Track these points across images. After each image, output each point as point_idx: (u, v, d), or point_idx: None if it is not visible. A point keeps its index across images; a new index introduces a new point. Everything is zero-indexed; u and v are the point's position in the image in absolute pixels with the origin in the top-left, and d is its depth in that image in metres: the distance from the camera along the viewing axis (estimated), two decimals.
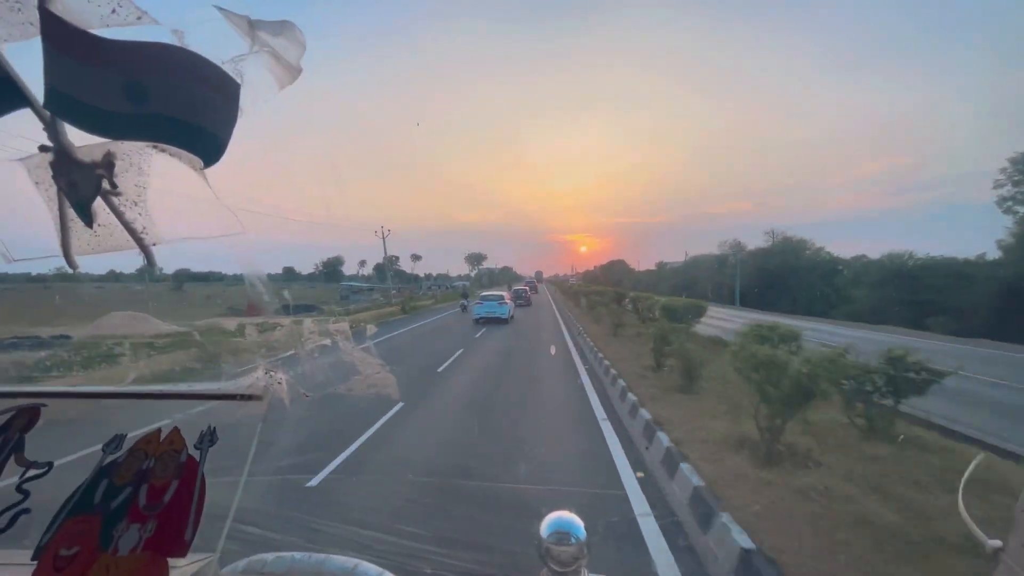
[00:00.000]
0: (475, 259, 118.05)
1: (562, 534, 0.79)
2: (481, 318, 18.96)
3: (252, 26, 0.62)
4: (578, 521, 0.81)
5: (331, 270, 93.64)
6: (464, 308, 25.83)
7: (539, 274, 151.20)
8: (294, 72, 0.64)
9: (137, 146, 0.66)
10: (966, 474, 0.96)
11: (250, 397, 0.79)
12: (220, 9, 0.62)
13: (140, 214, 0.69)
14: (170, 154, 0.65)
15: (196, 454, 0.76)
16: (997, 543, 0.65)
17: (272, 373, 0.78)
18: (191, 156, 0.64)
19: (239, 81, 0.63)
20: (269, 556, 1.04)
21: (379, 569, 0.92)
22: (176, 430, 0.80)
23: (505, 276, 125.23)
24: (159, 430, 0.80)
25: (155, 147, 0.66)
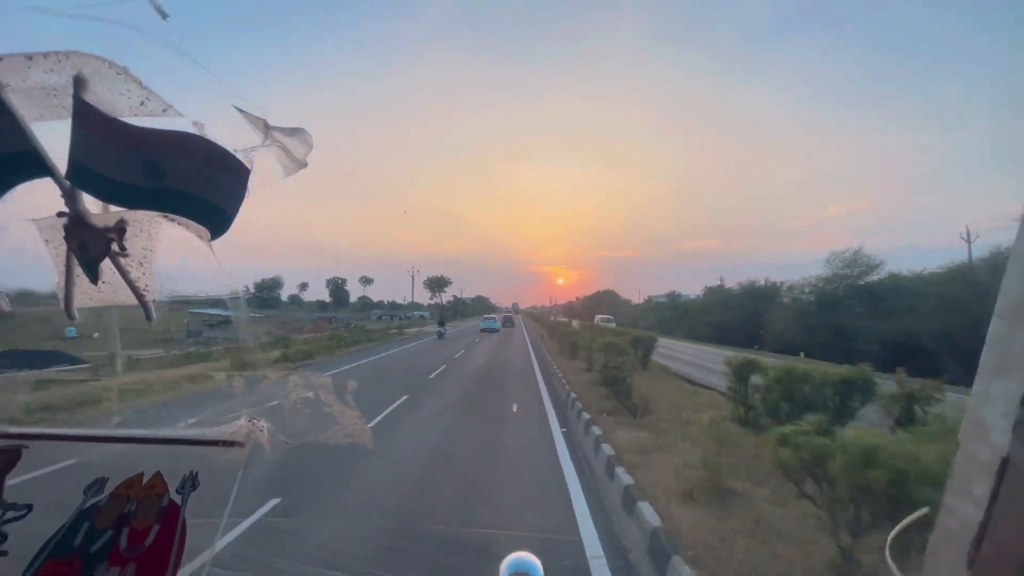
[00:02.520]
0: (436, 284, 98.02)
1: (520, 575, 0.84)
2: (484, 329, 38.75)
3: (267, 126, 0.73)
4: (536, 561, 0.89)
5: (266, 293, 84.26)
6: (440, 335, 29.61)
7: (515, 306, 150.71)
8: (300, 165, 0.76)
9: (149, 215, 0.75)
10: (899, 526, 1.06)
11: (232, 443, 0.86)
12: (239, 110, 0.73)
13: (144, 274, 0.77)
14: (179, 223, 0.74)
15: (178, 498, 0.83)
16: None
17: (255, 421, 0.86)
18: (199, 227, 0.73)
19: (249, 167, 0.74)
20: None
21: None
22: (158, 474, 0.87)
23: (479, 306, 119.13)
24: (141, 474, 0.86)
25: (166, 217, 0.75)
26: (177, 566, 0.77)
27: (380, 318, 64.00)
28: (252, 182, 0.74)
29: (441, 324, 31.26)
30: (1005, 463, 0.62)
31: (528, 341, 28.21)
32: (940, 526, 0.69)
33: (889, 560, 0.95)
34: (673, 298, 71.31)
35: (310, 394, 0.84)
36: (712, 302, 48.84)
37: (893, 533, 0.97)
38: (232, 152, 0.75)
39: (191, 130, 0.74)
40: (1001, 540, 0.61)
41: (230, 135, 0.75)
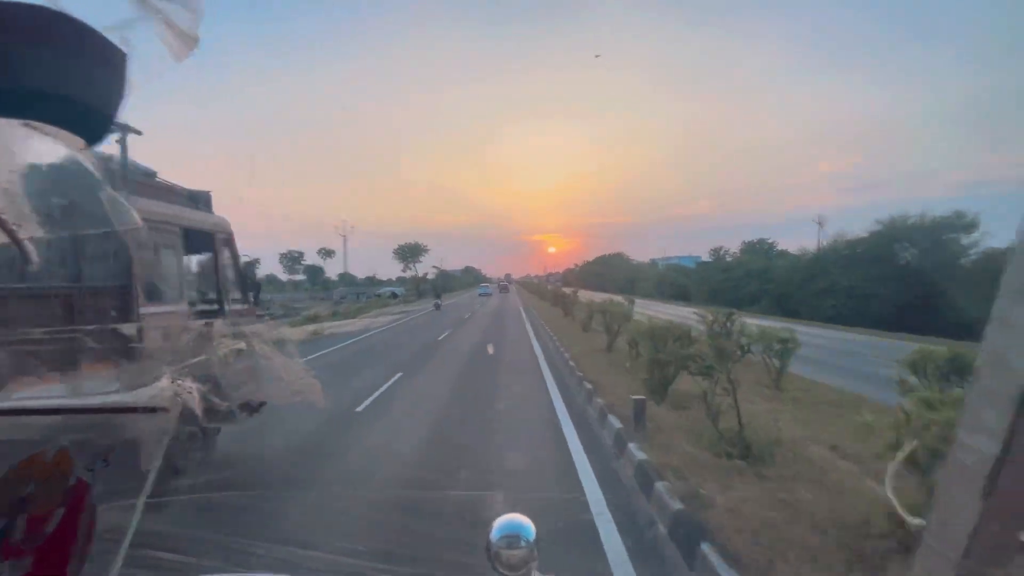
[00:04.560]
0: (408, 253, 73.77)
1: (511, 537, 0.80)
2: (481, 294, 50.94)
3: None
4: (528, 522, 0.83)
5: None
6: (437, 307, 31.89)
7: (508, 276, 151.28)
8: (190, 42, 0.58)
9: (6, 125, 0.57)
10: (896, 459, 1.03)
11: (154, 410, 0.70)
12: None
13: (14, 204, 0.59)
14: (45, 133, 0.56)
15: (88, 477, 0.67)
16: (920, 522, 0.73)
17: (180, 382, 0.70)
18: (71, 136, 0.55)
19: (126, 50, 0.55)
20: None
21: None
22: (64, 450, 0.70)
23: (468, 278, 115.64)
24: (44, 450, 0.69)
25: (28, 125, 0.57)
26: (84, 557, 0.63)
27: (343, 298, 54.13)
28: (132, 71, 0.56)
29: (438, 296, 36.10)
30: None
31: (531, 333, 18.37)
32: (952, 461, 0.68)
33: (891, 495, 0.93)
34: (719, 256, 60.09)
35: (242, 345, 0.70)
36: (805, 264, 36.39)
37: (891, 469, 0.97)
38: (101, 32, 0.57)
39: (43, 2, 0.55)
40: (1020, 472, 0.60)
41: (94, 10, 0.56)
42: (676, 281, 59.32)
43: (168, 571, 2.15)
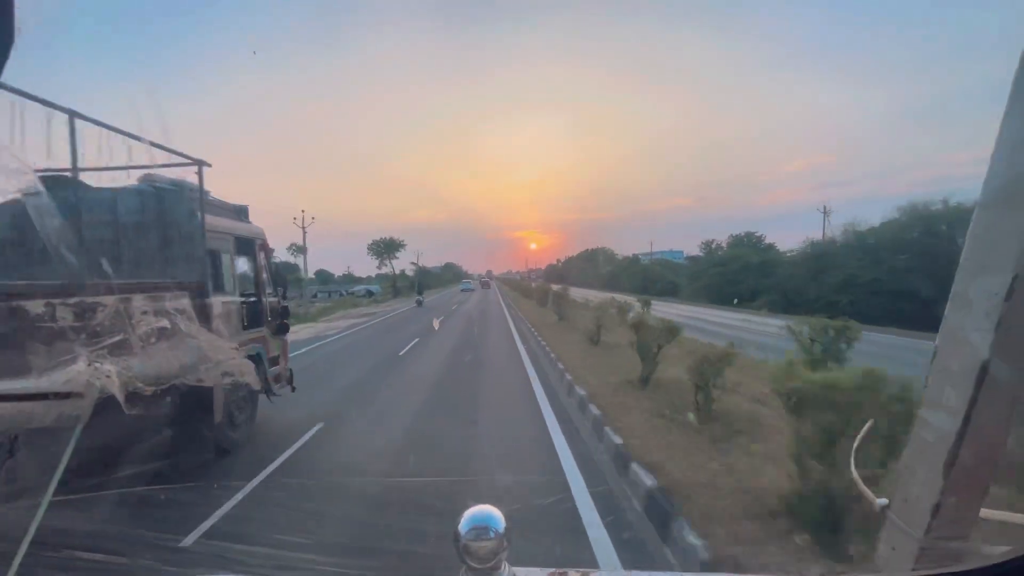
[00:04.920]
0: (383, 248, 67.37)
1: (480, 529, 0.79)
2: (463, 289, 54.63)
3: None
4: (497, 513, 0.81)
5: None
6: (419, 303, 32.42)
7: (489, 272, 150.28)
8: None
9: None
10: (858, 438, 1.07)
11: (68, 395, 0.66)
12: None
13: None
14: None
15: None
16: (883, 501, 0.72)
17: (97, 364, 0.66)
18: None
19: None
20: None
21: None
22: None
23: (449, 274, 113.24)
24: None
25: None
26: None
27: (314, 297, 51.40)
28: (19, 16, 0.51)
29: (420, 293, 36.07)
30: (984, 368, 0.60)
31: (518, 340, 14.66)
32: (914, 439, 0.69)
33: (855, 475, 0.95)
34: (710, 250, 54.89)
35: (164, 323, 0.66)
36: (812, 256, 33.23)
37: (854, 448, 0.98)
38: None
39: None
40: (979, 447, 0.61)
41: None
42: (663, 276, 57.50)
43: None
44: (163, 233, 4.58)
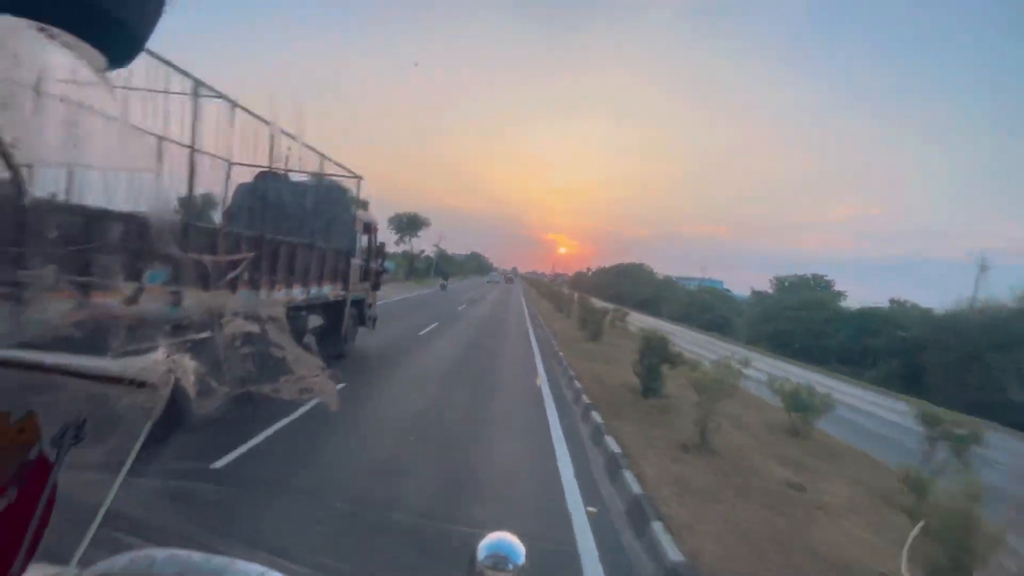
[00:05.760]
0: (406, 225, 63.36)
1: (499, 558, 0.74)
2: (488, 281, 64.64)
3: None
4: (517, 543, 0.76)
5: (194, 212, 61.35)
6: (443, 288, 34.08)
7: (514, 269, 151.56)
8: None
9: (12, 23, 0.46)
10: (909, 539, 0.93)
11: (143, 384, 0.59)
12: None
13: (11, 120, 0.49)
14: (62, 43, 0.46)
15: (52, 453, 0.56)
16: None
17: (176, 357, 0.60)
18: (92, 51, 0.45)
19: None
20: (160, 553, 0.84)
21: None
22: (33, 416, 0.59)
23: (473, 264, 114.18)
24: (6, 413, 0.59)
25: (40, 29, 0.47)
26: (34, 548, 0.53)
27: None
28: None
29: (444, 278, 38.57)
30: None
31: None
32: (995, 565, 0.57)
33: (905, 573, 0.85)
34: (781, 287, 46.05)
35: (255, 328, 0.60)
36: (976, 324, 24.30)
37: (906, 549, 0.88)
38: None
39: None
40: None
41: None
42: (712, 307, 49.64)
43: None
44: (329, 214, 7.09)
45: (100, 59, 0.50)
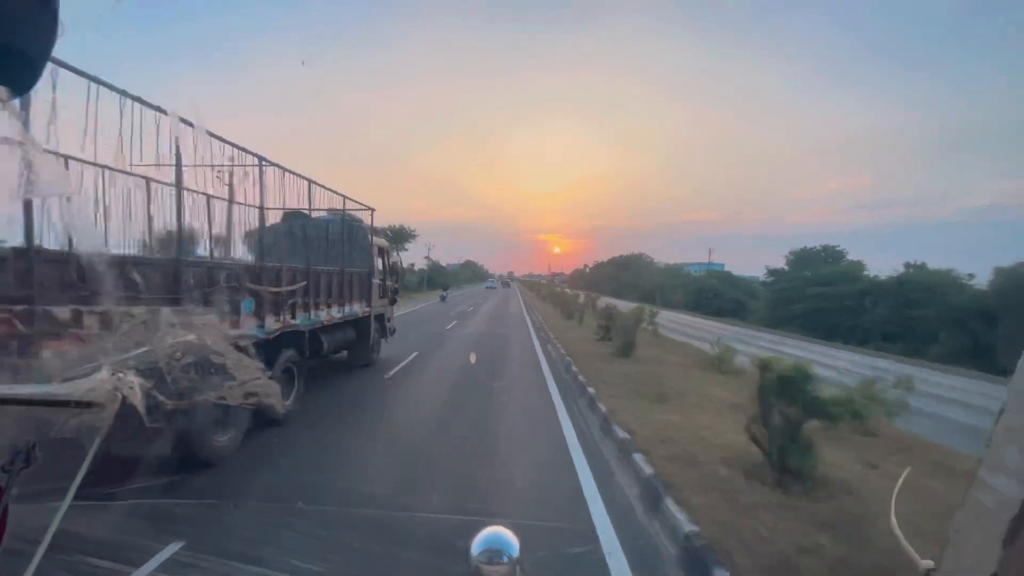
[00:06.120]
0: (392, 237, 44.70)
1: (494, 552, 0.75)
2: (487, 287, 69.47)
3: None
4: (511, 537, 0.78)
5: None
6: (443, 299, 33.81)
7: (511, 274, 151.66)
8: None
9: None
10: (895, 490, 0.95)
11: (89, 404, 0.62)
12: None
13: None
14: None
15: (2, 479, 0.59)
16: (929, 563, 0.68)
17: (121, 375, 0.62)
18: None
19: None
20: None
21: None
22: None
23: (468, 273, 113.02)
24: None
25: None
26: None
27: None
28: (64, 13, 0.50)
29: (444, 289, 38.62)
30: None
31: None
32: (971, 501, 0.63)
33: (896, 530, 0.88)
34: (799, 261, 39.53)
35: (192, 338, 0.62)
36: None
37: (893, 498, 0.92)
38: None
39: None
40: None
41: None
42: (721, 292, 45.04)
43: None
44: (349, 244, 8.11)
45: (1, 89, 0.53)
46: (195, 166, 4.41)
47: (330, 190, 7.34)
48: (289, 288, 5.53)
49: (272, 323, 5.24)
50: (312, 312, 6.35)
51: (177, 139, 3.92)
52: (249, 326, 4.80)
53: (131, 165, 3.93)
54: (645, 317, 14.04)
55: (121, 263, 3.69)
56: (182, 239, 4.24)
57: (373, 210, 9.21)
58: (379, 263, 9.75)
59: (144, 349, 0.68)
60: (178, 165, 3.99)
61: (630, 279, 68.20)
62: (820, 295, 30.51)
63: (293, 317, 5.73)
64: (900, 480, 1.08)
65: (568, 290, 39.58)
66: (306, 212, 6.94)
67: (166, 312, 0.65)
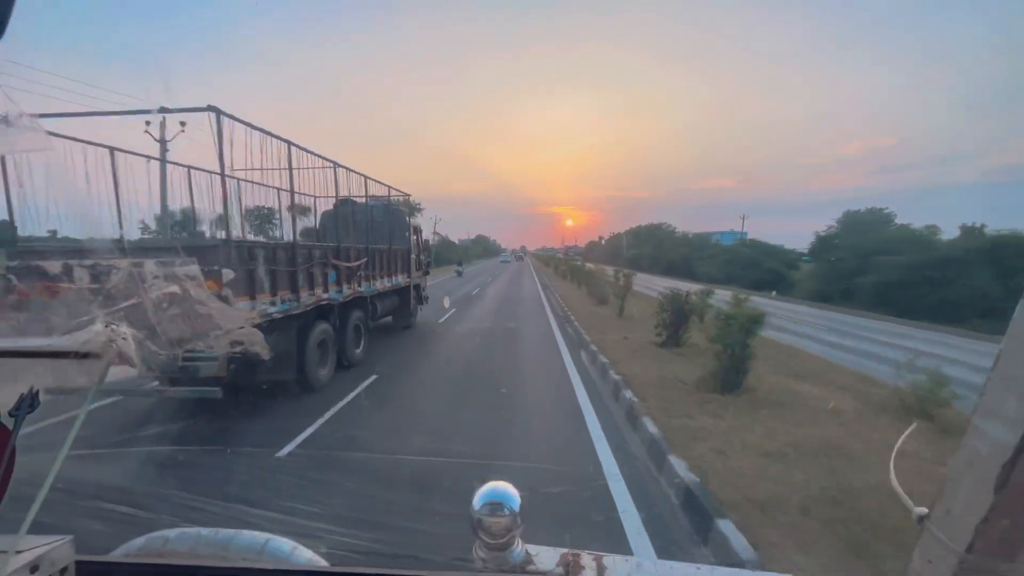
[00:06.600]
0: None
1: (495, 504, 0.79)
2: (503, 261, 77.29)
3: None
4: (512, 491, 0.81)
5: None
6: (459, 274, 35.20)
7: (523, 248, 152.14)
8: None
9: None
10: (898, 443, 0.97)
11: (87, 355, 0.66)
12: None
13: None
14: None
15: (10, 422, 0.64)
16: (923, 510, 0.69)
17: (114, 327, 0.66)
18: None
19: None
20: (171, 532, 0.92)
21: (292, 543, 0.85)
22: None
23: (478, 248, 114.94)
24: None
25: None
26: None
27: None
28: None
29: (459, 264, 39.73)
30: None
31: None
32: (965, 448, 0.64)
33: (894, 480, 0.89)
34: (853, 223, 33.63)
35: (175, 288, 0.66)
36: None
37: (894, 451, 0.93)
38: None
39: None
40: None
41: None
42: (757, 263, 39.68)
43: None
44: (391, 225, 9.94)
45: None
46: (298, 168, 6.30)
47: (379, 182, 9.40)
48: (357, 263, 7.60)
49: (347, 290, 7.29)
50: (372, 282, 8.46)
51: (290, 158, 5.77)
52: (332, 291, 6.82)
53: (262, 170, 5.78)
54: (751, 314, 6.77)
55: (274, 248, 5.63)
56: (296, 232, 6.35)
57: (409, 195, 11.88)
58: (413, 240, 11.68)
59: (133, 301, 0.72)
60: (291, 182, 6.01)
61: (650, 251, 63.34)
62: (892, 265, 25.22)
63: (359, 285, 7.80)
64: (904, 435, 1.08)
65: (590, 264, 33.39)
66: (355, 199, 8.82)
67: (150, 264, 0.69)
